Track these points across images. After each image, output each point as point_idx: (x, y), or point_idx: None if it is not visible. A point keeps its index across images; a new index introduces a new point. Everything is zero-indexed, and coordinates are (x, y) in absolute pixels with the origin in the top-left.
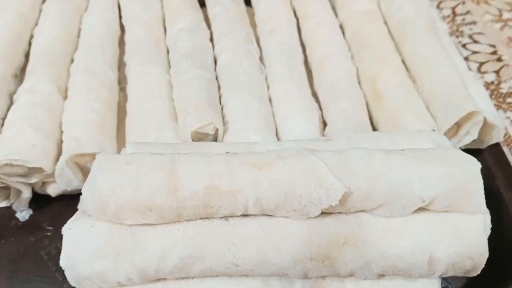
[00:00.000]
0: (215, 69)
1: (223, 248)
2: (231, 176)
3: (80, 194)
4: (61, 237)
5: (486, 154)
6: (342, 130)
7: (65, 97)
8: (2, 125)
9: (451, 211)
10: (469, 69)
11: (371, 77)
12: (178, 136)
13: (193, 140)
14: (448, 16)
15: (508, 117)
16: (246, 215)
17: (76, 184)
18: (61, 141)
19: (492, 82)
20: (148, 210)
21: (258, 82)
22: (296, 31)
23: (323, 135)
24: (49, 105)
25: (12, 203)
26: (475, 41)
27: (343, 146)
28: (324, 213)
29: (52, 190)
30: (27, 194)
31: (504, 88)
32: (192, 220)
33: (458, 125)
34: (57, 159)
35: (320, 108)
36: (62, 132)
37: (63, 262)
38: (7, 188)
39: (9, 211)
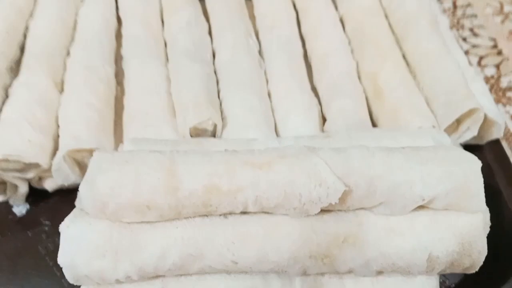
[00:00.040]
0: (213, 63)
1: (222, 246)
2: (231, 176)
3: (77, 188)
4: (58, 231)
5: (485, 150)
6: (341, 126)
7: (61, 90)
8: None
9: (451, 209)
10: (470, 64)
11: (372, 73)
12: (176, 131)
13: (191, 136)
14: (449, 8)
15: (508, 112)
16: (245, 213)
17: (73, 179)
18: (58, 136)
19: (492, 76)
20: (148, 209)
21: (258, 77)
22: (296, 25)
23: (323, 131)
24: (45, 100)
25: (9, 198)
26: (476, 34)
27: (343, 144)
28: (323, 211)
29: (49, 185)
30: (23, 189)
31: (504, 82)
32: (191, 218)
33: (458, 122)
34: (54, 154)
35: (320, 104)
36: (58, 126)
37: (61, 260)
38: (3, 182)
39: (6, 206)
